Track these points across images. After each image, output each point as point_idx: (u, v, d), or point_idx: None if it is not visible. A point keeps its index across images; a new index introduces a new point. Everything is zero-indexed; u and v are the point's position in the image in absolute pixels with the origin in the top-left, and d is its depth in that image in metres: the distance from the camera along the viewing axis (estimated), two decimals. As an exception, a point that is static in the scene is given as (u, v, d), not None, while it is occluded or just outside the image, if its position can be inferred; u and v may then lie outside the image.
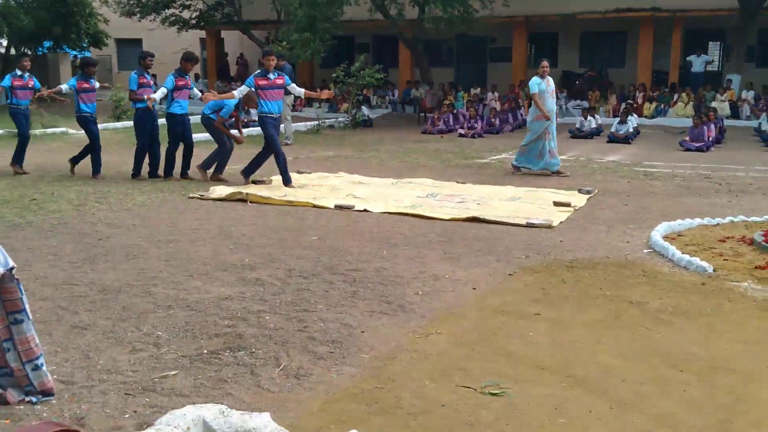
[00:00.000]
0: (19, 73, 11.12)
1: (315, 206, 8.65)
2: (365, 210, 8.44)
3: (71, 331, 4.44)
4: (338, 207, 8.57)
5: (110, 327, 4.50)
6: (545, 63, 11.38)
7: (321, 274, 5.69)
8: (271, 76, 9.88)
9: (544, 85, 11.14)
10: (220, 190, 9.36)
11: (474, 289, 5.38)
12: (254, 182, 10.08)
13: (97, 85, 11.16)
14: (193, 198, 9.12)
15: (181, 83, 10.40)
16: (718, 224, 7.49)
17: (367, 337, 4.38)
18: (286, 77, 10.14)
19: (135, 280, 5.49)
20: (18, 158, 11.16)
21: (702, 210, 8.40)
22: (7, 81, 11.14)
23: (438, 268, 5.94)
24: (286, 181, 9.88)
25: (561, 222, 7.81)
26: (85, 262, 6.03)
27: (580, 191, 9.63)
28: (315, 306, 4.92)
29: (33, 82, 11.30)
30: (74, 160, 10.96)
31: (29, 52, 29.36)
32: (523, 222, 7.72)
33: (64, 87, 11.14)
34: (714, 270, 5.69)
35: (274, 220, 7.84)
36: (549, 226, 7.58)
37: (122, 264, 6.00)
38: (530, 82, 11.34)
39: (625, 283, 5.50)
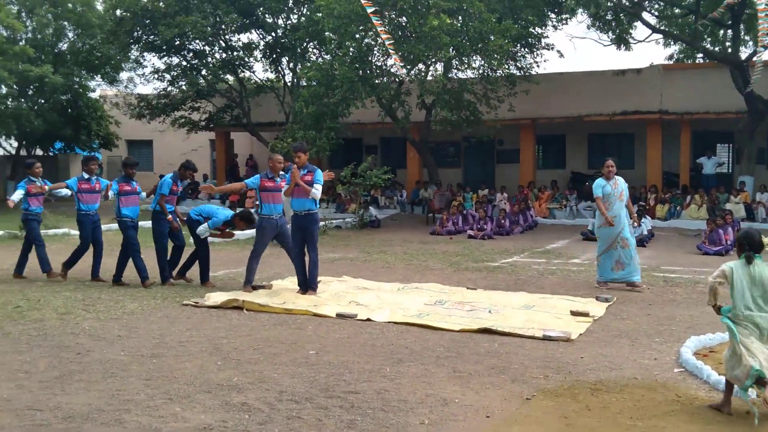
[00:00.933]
0: (86, 176, 10.44)
1: (315, 314, 8.11)
2: (369, 319, 7.88)
3: (22, 470, 3.84)
4: (340, 316, 8.02)
5: (68, 466, 3.91)
6: (610, 162, 10.26)
7: (315, 398, 5.09)
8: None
9: (609, 188, 10.06)
10: (215, 297, 8.83)
11: (488, 417, 4.77)
12: (254, 287, 9.57)
13: (143, 193, 10.44)
14: (187, 305, 8.60)
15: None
16: (751, 338, 6.88)
17: (364, 481, 3.77)
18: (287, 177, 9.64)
19: (107, 405, 4.90)
20: (71, 263, 10.57)
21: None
22: (73, 183, 10.46)
23: (447, 389, 5.33)
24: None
25: (580, 334, 7.21)
26: (56, 382, 5.46)
27: (597, 299, 9.06)
28: (306, 439, 4.32)
29: (101, 184, 10.55)
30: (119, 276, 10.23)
31: (41, 153, 29.66)
32: (540, 334, 7.13)
33: (110, 193, 10.43)
34: (757, 395, 5.06)
35: (269, 331, 7.28)
36: (567, 339, 6.98)
37: (97, 384, 5.42)
38: (594, 184, 10.31)
39: (658, 411, 4.87)
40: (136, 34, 24.77)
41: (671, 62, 26.88)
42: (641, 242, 15.82)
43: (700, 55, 25.36)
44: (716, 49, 22.25)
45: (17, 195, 10.57)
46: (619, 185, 10.15)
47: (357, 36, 20.53)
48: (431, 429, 4.52)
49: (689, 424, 4.61)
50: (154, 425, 4.50)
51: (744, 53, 21.39)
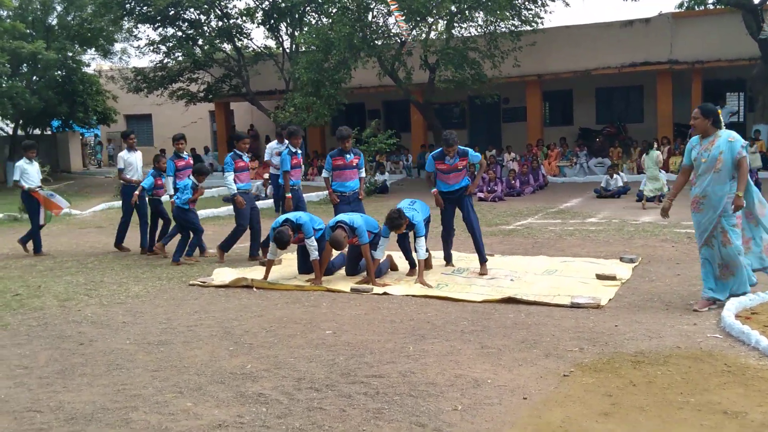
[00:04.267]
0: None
1: (329, 290, 7.73)
2: (385, 293, 7.49)
3: (20, 484, 3.48)
4: (355, 290, 7.63)
5: (70, 477, 3.54)
6: (695, 111, 6.46)
7: (336, 384, 4.72)
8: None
9: (696, 150, 6.48)
10: (223, 276, 8.46)
11: (525, 398, 4.39)
12: (262, 263, 9.18)
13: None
14: (194, 285, 8.23)
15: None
16: (793, 297, 6.47)
17: (398, 482, 3.40)
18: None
19: (112, 402, 4.54)
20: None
21: (765, 278, 7.39)
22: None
23: (477, 369, 4.95)
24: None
25: (610, 300, 6.82)
26: (58, 377, 5.10)
27: (621, 259, 8.66)
28: (330, 434, 3.95)
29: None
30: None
31: (38, 132, 29.16)
32: (567, 301, 6.74)
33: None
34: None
35: (282, 310, 6.90)
36: (597, 306, 6.59)
37: (101, 377, 5.06)
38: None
39: (709, 383, 4.49)
40: (128, 5, 24.12)
41: (681, 10, 26.11)
42: (617, 194, 15.60)
43: (711, 0, 24.61)
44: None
45: (230, 178, 9.80)
46: (716, 146, 6.30)
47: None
48: (466, 415, 4.14)
49: (745, 398, 4.22)
50: (164, 424, 4.14)
51: (757, -3, 20.63)
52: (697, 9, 26.08)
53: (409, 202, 8.55)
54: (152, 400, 4.54)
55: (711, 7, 25.14)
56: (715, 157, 6.31)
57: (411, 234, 8.25)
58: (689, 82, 22.27)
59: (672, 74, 22.16)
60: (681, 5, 26.53)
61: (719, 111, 6.39)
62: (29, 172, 11.04)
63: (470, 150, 8.63)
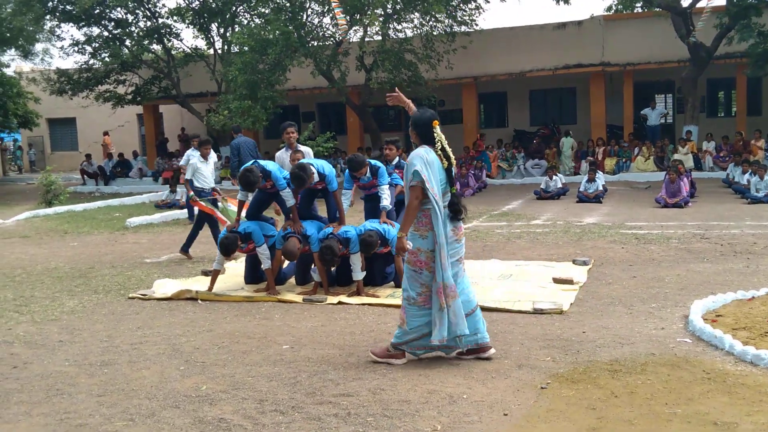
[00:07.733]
0: None
1: (280, 300, 7.36)
2: (340, 302, 7.18)
3: None
4: (307, 300, 7.29)
5: None
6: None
7: (303, 406, 4.39)
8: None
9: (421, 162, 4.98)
10: (165, 287, 7.98)
11: (505, 414, 4.15)
12: (204, 273, 8.75)
13: None
14: (133, 298, 7.73)
15: None
16: (753, 298, 6.45)
17: None
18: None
19: (55, 434, 4.11)
20: None
21: (722, 279, 7.40)
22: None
23: (449, 382, 4.70)
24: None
25: (571, 304, 6.68)
26: (-10, 406, 4.62)
27: (574, 262, 8.58)
28: (305, 464, 3.62)
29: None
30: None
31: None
32: (529, 307, 6.57)
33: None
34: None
35: (232, 324, 6.51)
36: (560, 312, 6.44)
37: (41, 405, 4.59)
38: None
39: (691, 392, 4.34)
40: (51, 3, 23.09)
41: (611, 13, 26.59)
42: (597, 198, 15.51)
43: (639, 3, 25.13)
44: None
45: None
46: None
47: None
48: (447, 437, 3.88)
49: (732, 407, 4.09)
50: (116, 459, 3.74)
51: (686, 0, 21.16)
52: (626, 12, 26.60)
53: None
54: (100, 430, 4.12)
55: (640, 10, 25.66)
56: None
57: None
58: (621, 83, 22.69)
59: (604, 76, 22.53)
60: (610, 8, 27.01)
61: (435, 122, 4.98)
62: (203, 172, 10.11)
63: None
